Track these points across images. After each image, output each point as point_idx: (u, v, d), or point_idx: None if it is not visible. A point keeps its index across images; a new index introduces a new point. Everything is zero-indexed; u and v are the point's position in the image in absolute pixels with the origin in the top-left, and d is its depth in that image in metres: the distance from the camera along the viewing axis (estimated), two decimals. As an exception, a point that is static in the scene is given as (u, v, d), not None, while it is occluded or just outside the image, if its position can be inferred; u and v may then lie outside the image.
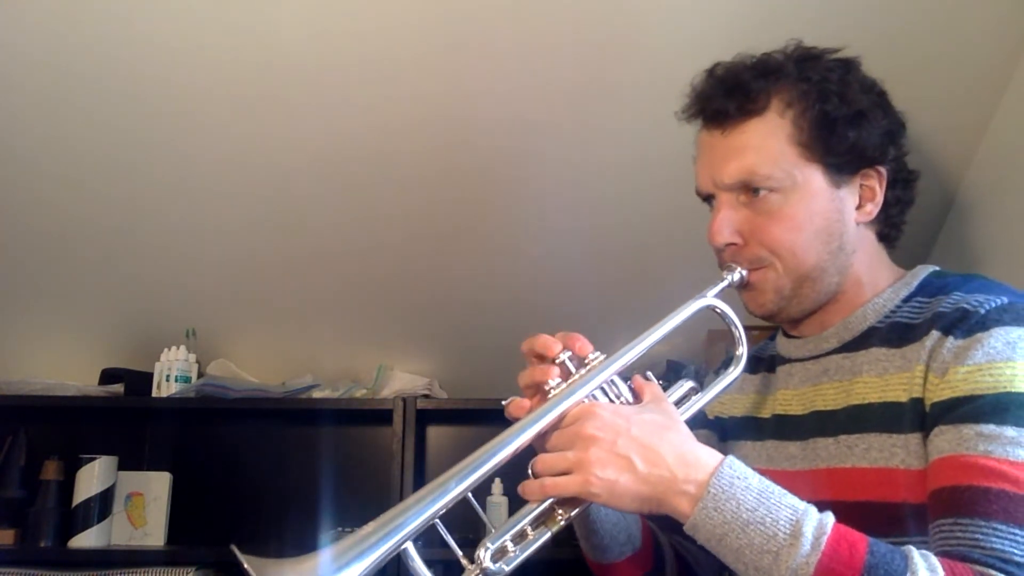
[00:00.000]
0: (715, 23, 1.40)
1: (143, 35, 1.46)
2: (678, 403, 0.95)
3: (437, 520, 0.80)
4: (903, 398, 0.88)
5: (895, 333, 0.93)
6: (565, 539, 1.96)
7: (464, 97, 1.56)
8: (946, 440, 0.81)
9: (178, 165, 1.68)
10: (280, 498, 2.10)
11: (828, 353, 0.99)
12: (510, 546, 0.84)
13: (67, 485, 1.90)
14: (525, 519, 0.85)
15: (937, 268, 0.99)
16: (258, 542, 2.02)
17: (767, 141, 0.94)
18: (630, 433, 0.81)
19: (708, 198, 1.01)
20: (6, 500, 1.91)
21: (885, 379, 0.91)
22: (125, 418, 2.09)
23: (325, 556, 0.74)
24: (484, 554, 0.82)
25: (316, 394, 2.00)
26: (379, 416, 1.95)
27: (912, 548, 0.75)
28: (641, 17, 1.42)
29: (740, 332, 0.99)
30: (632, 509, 0.81)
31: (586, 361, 0.90)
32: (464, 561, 0.83)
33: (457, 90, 1.54)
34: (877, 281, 0.99)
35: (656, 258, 1.81)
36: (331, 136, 1.63)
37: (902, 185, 1.00)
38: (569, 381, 0.89)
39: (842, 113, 0.94)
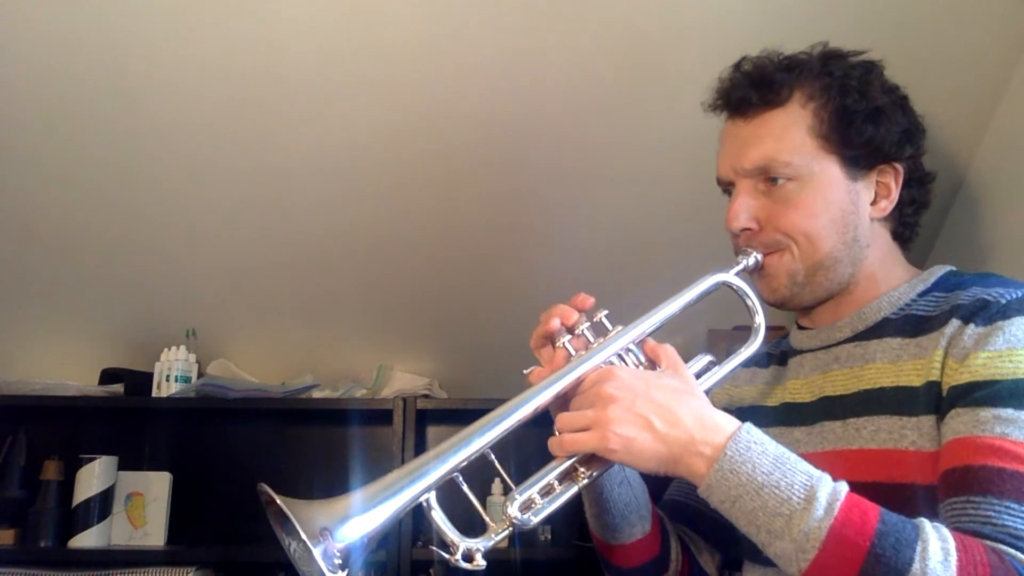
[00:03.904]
0: (719, 21, 1.41)
1: (144, 39, 1.45)
2: (697, 376, 0.97)
3: (457, 474, 0.83)
4: (916, 382, 0.89)
5: (910, 324, 0.95)
6: (565, 539, 1.97)
7: (465, 97, 1.55)
8: (962, 422, 0.82)
9: (179, 166, 1.68)
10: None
11: (840, 343, 1.01)
12: (537, 498, 0.86)
13: (67, 485, 1.90)
14: (550, 474, 0.87)
15: (953, 268, 1.01)
16: (258, 542, 2.02)
17: (788, 131, 0.97)
18: (649, 394, 0.83)
19: (727, 188, 1.04)
20: (6, 500, 1.91)
21: (898, 365, 0.92)
22: (125, 418, 2.09)
23: (353, 498, 0.78)
24: (513, 506, 0.84)
25: (316, 394, 2.00)
26: (379, 416, 1.95)
27: (924, 520, 0.75)
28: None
29: (755, 302, 1.01)
30: (648, 468, 0.83)
31: (594, 319, 0.94)
32: (486, 518, 0.84)
33: (458, 92, 1.54)
34: (891, 277, 1.01)
35: (659, 260, 1.81)
36: (331, 138, 1.62)
37: (917, 185, 1.02)
38: (588, 347, 0.92)
39: (861, 108, 0.97)
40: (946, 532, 0.74)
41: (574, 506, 1.07)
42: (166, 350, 1.96)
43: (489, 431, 0.83)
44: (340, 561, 0.74)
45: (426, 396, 1.98)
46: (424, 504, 0.81)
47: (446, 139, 1.62)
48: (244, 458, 2.10)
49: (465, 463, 0.82)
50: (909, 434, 0.87)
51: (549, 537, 2.00)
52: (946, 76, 1.46)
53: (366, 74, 1.52)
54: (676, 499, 1.14)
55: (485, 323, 1.98)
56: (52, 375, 2.00)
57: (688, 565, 1.09)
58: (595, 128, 1.61)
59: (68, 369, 2.04)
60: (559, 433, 0.86)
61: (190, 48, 1.47)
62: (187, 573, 1.80)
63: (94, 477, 1.88)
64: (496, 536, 0.83)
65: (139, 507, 1.98)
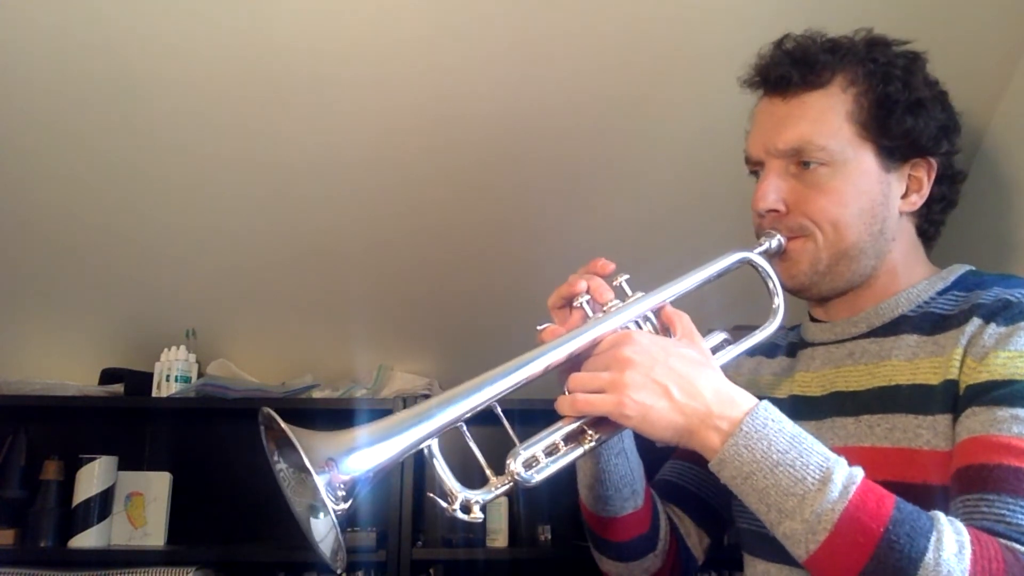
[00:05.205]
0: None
1: (145, 36, 1.45)
2: (712, 351, 0.95)
3: (463, 424, 0.82)
4: (934, 381, 0.87)
5: (928, 322, 0.93)
6: (565, 539, 1.97)
7: (469, 95, 1.55)
8: (979, 421, 0.81)
9: (178, 166, 1.68)
10: (280, 498, 2.09)
11: (855, 337, 0.99)
12: (541, 456, 0.84)
13: (67, 485, 1.90)
14: (557, 433, 0.86)
15: (972, 268, 1.00)
16: (258, 542, 2.02)
17: (826, 114, 0.95)
18: (668, 362, 0.82)
19: (755, 169, 1.02)
20: (6, 500, 1.91)
21: (915, 363, 0.90)
22: (125, 418, 2.09)
23: (359, 432, 0.78)
24: (515, 461, 0.83)
25: (316, 394, 2.00)
26: (379, 416, 1.93)
27: (939, 512, 0.75)
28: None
29: (776, 283, 0.99)
30: (660, 438, 0.82)
31: (614, 283, 0.92)
32: (489, 472, 0.83)
33: (462, 89, 1.54)
34: (912, 273, 0.99)
35: (666, 262, 1.80)
36: (331, 137, 1.62)
37: (948, 183, 1.01)
38: (606, 308, 0.90)
39: (903, 98, 0.95)
40: (960, 526, 0.73)
41: (574, 506, 1.07)
42: (166, 350, 1.96)
43: (498, 381, 0.82)
44: (343, 493, 0.74)
45: (426, 396, 1.98)
46: (426, 451, 0.80)
47: (448, 136, 1.62)
48: (244, 458, 2.10)
49: (471, 414, 0.81)
50: (924, 433, 0.86)
51: (549, 537, 2.00)
52: (949, 69, 1.45)
53: (368, 71, 1.51)
54: (669, 479, 1.13)
55: (486, 323, 1.98)
56: (52, 375, 2.00)
57: (676, 546, 1.08)
58: (599, 130, 1.61)
59: (68, 369, 2.04)
60: (570, 393, 0.84)
61: (190, 44, 1.47)
62: (187, 573, 1.79)
63: (94, 477, 1.88)
64: (496, 490, 0.82)
65: (139, 507, 1.97)
